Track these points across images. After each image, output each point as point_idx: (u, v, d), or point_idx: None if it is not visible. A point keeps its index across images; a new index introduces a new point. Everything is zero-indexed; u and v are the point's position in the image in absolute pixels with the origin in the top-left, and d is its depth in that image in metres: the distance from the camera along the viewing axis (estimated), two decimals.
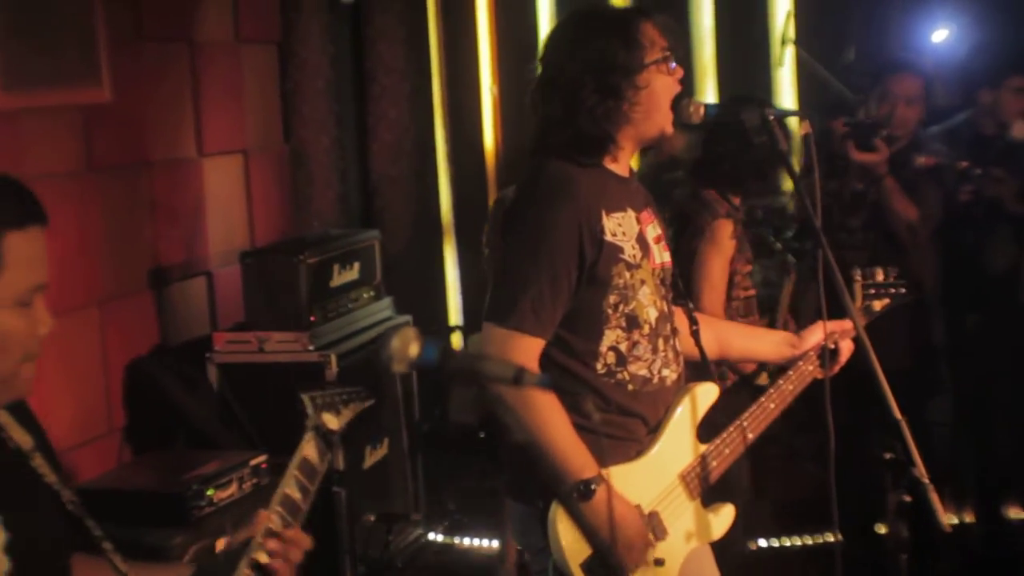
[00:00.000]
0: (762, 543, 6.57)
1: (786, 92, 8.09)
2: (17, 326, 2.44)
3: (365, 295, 6.58)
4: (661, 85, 3.77)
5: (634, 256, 3.74)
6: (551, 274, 3.62)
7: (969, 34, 7.47)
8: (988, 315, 6.43)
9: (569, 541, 3.63)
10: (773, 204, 6.11)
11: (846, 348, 4.20)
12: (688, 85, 8.21)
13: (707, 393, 3.95)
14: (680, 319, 4.04)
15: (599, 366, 3.72)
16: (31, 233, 2.45)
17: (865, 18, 7.93)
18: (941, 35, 7.55)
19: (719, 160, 5.40)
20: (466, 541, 6.96)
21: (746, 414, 4.05)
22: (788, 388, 4.15)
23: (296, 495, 2.60)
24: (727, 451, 3.97)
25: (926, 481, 3.46)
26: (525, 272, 3.63)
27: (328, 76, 7.42)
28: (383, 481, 6.41)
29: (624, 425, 3.77)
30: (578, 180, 3.70)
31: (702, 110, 3.87)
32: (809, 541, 6.55)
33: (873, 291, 4.47)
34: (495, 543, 6.63)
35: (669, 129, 3.82)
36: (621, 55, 3.71)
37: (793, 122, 5.25)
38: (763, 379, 5.36)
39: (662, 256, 3.90)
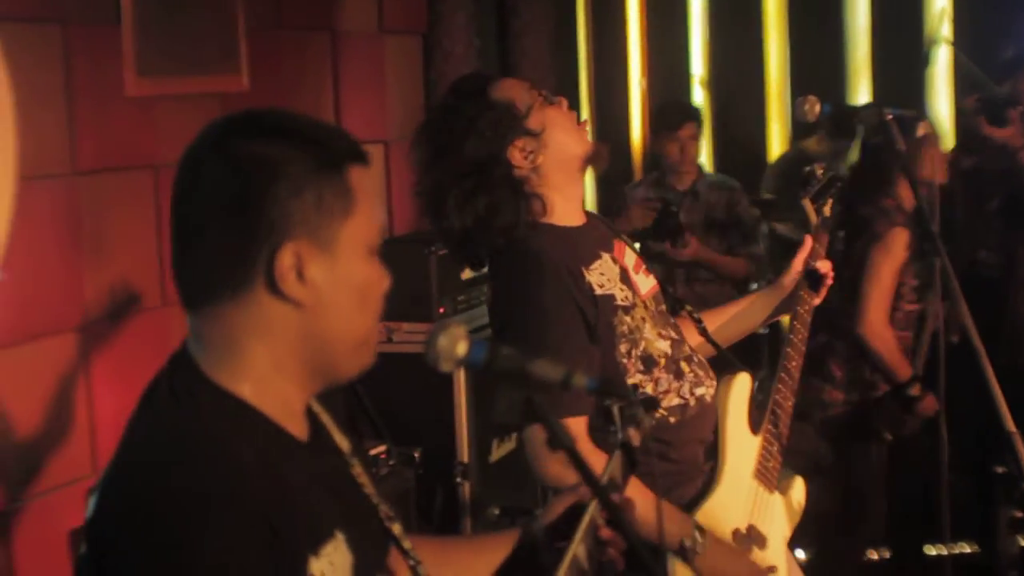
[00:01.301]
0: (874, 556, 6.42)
1: (941, 93, 7.95)
2: (376, 276, 2.11)
3: None
4: (550, 116, 3.56)
5: (626, 298, 3.59)
6: (570, 355, 3.42)
7: None
8: None
9: None
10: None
11: (824, 267, 4.05)
12: (841, 86, 8.17)
13: (742, 385, 3.83)
14: (687, 327, 3.93)
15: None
16: (368, 171, 2.14)
17: (1022, 18, 7.75)
18: None
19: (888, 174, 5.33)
20: None
21: (777, 385, 3.94)
22: (799, 339, 4.02)
23: (599, 516, 2.33)
24: (782, 428, 3.90)
25: None
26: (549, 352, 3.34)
27: (473, 68, 7.40)
28: (510, 475, 6.37)
29: (683, 460, 3.68)
30: (548, 252, 3.52)
31: (818, 108, 3.79)
32: (874, 556, 6.40)
33: (820, 201, 4.28)
34: None
35: (588, 147, 3.64)
36: (503, 121, 3.49)
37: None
38: (916, 390, 5.29)
39: (647, 283, 3.77)
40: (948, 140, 7.74)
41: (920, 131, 3.74)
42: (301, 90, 6.33)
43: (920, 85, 7.97)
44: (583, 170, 3.67)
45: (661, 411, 3.60)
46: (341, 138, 2.12)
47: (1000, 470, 3.42)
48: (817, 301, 4.07)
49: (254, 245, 1.99)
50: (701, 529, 3.52)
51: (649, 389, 3.58)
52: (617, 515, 2.11)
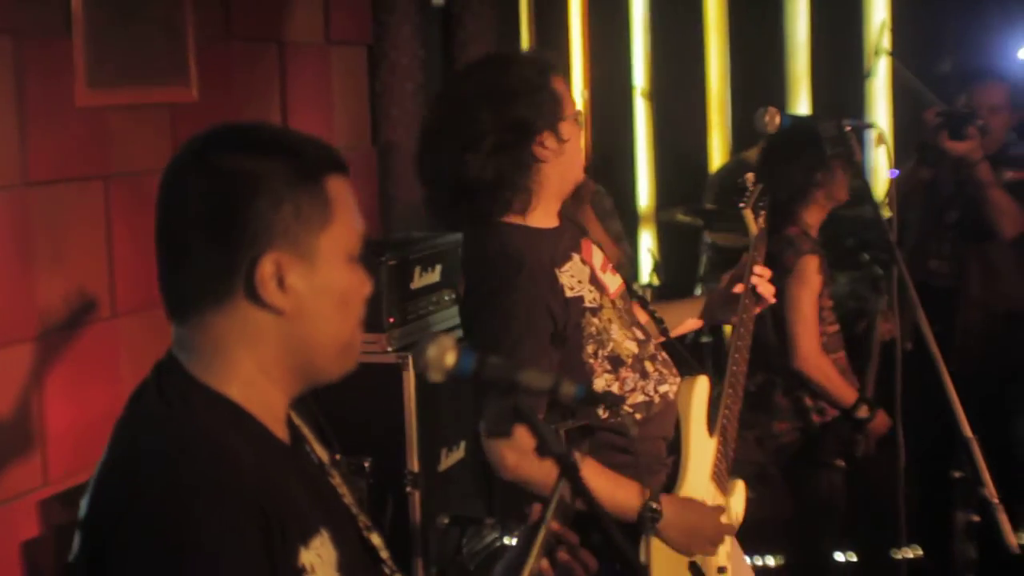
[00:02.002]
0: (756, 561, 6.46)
1: (879, 103, 8.04)
2: (354, 283, 2.18)
3: (446, 297, 6.57)
4: (576, 137, 3.71)
5: (594, 300, 3.70)
6: (531, 350, 3.54)
7: None
8: None
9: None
10: (860, 215, 6.07)
11: (762, 274, 4.17)
12: (781, 96, 8.25)
13: (701, 387, 3.92)
14: (644, 320, 4.03)
15: (600, 411, 3.66)
16: (347, 180, 2.21)
17: (961, 30, 7.86)
18: None
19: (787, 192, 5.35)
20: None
21: (727, 390, 4.01)
22: (744, 344, 4.11)
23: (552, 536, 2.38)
24: (731, 432, 3.97)
25: (996, 501, 3.42)
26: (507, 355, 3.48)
27: (418, 79, 7.43)
28: (459, 484, 6.39)
29: (646, 453, 3.76)
30: (526, 253, 3.61)
31: (778, 119, 3.85)
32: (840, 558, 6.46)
33: (758, 211, 4.34)
34: None
35: (580, 177, 3.78)
36: (537, 118, 3.61)
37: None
38: (864, 412, 5.35)
39: (614, 282, 3.87)
40: (888, 151, 7.83)
41: (875, 142, 3.80)
42: (250, 101, 6.33)
43: (859, 96, 8.05)
44: (570, 193, 3.78)
45: (627, 408, 3.69)
46: (318, 148, 2.18)
47: (957, 475, 3.46)
48: (758, 309, 4.13)
49: (236, 256, 2.06)
50: (656, 496, 3.62)
51: (615, 389, 3.69)
52: (599, 510, 2.14)
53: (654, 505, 3.58)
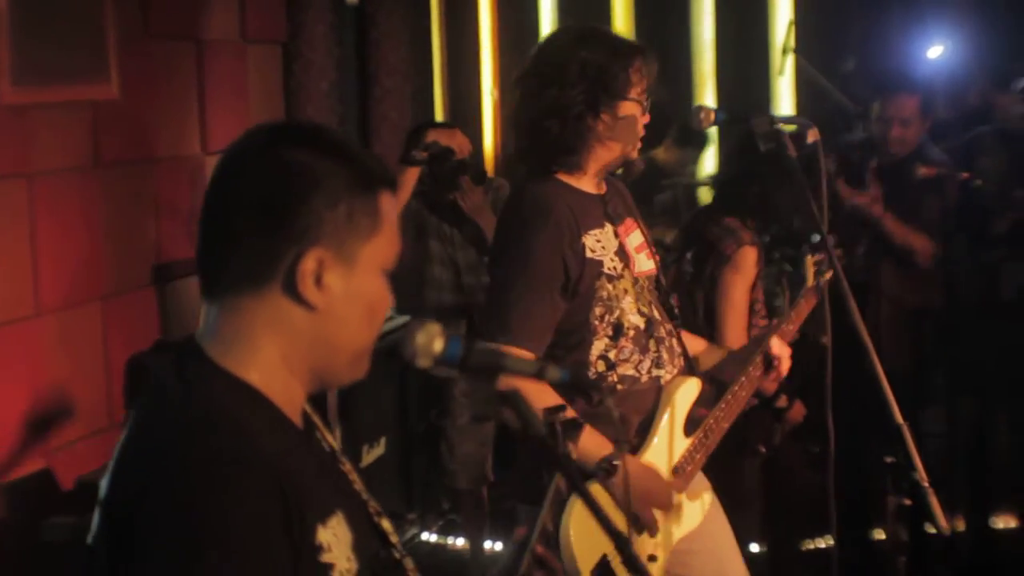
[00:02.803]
0: (755, 548, 6.61)
1: (785, 101, 8.15)
2: (384, 296, 2.22)
3: None
4: (635, 120, 3.92)
5: (614, 268, 3.90)
6: (538, 294, 3.79)
7: (964, 49, 7.55)
8: (994, 332, 6.44)
9: (581, 546, 3.70)
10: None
11: (784, 364, 4.28)
12: (687, 93, 8.35)
13: (690, 388, 4.03)
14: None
15: (590, 374, 3.86)
16: (395, 199, 2.25)
17: (865, 29, 7.99)
18: (936, 51, 7.62)
19: (746, 190, 5.43)
20: (459, 542, 7.00)
21: (721, 404, 4.10)
22: (755, 374, 4.21)
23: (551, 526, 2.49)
24: (708, 441, 4.06)
25: (926, 485, 3.51)
26: (512, 296, 3.80)
27: (332, 77, 7.47)
28: (379, 480, 6.45)
29: (616, 423, 3.84)
30: (556, 205, 3.84)
31: (712, 116, 3.95)
32: (804, 547, 6.58)
33: (823, 266, 4.47)
34: (497, 545, 6.68)
35: (635, 155, 3.99)
36: (616, 79, 3.83)
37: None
38: (783, 401, 5.44)
39: (645, 264, 4.03)
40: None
41: (810, 138, 3.87)
42: (170, 98, 6.33)
43: (765, 94, 8.16)
44: (618, 166, 4.06)
45: (613, 376, 3.86)
46: (377, 162, 2.23)
47: (889, 460, 3.56)
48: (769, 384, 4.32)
49: (283, 245, 2.10)
50: (619, 453, 3.72)
51: (612, 354, 3.88)
52: (580, 488, 2.20)
53: (615, 461, 3.66)
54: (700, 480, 4.12)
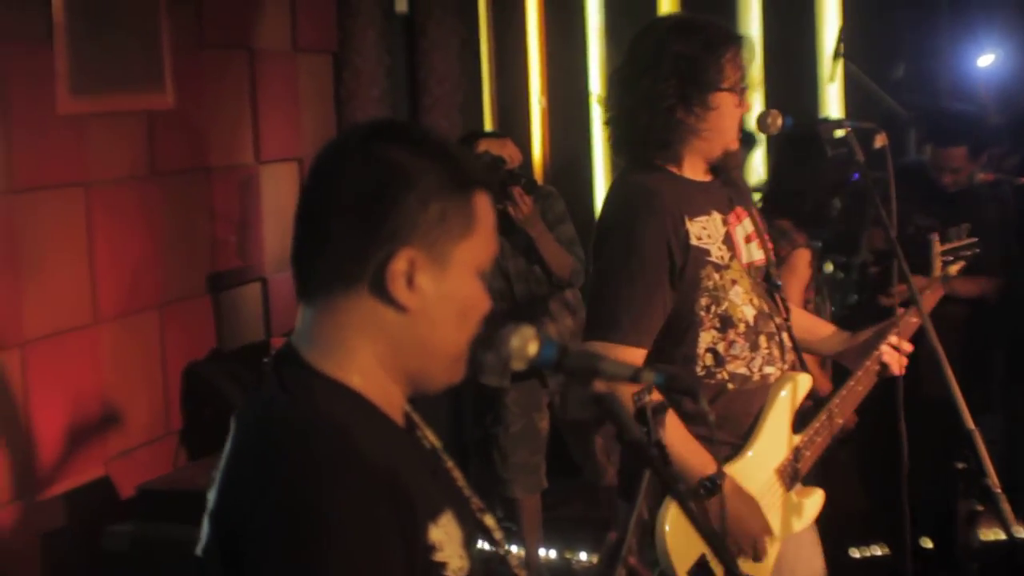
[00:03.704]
0: None
1: (834, 107, 8.11)
2: (478, 297, 2.18)
3: None
4: (729, 111, 3.83)
5: (721, 257, 3.79)
6: (645, 286, 3.69)
7: (1014, 57, 7.51)
8: None
9: (676, 545, 3.66)
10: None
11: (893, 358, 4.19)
12: None
13: (800, 384, 3.94)
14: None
15: (698, 369, 3.77)
16: (490, 199, 2.19)
17: (915, 35, 7.95)
18: (987, 60, 7.57)
19: (800, 199, 5.42)
20: (514, 549, 6.98)
21: (835, 399, 4.02)
22: (873, 368, 4.13)
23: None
24: (818, 440, 3.98)
25: (998, 491, 3.48)
26: (620, 287, 3.71)
27: (382, 85, 7.47)
28: None
29: (723, 426, 3.79)
30: (659, 192, 3.76)
31: (780, 121, 3.91)
32: (856, 554, 6.56)
33: (950, 256, 4.43)
34: (551, 552, 6.67)
35: (734, 146, 3.88)
36: (707, 71, 3.76)
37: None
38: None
39: (754, 254, 3.94)
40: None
41: (877, 143, 3.85)
42: (223, 107, 6.36)
43: (814, 100, 8.12)
44: (717, 160, 3.89)
45: (723, 373, 3.77)
46: (474, 163, 2.21)
47: (960, 466, 3.53)
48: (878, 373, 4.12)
49: (374, 245, 2.07)
50: (724, 474, 3.64)
51: (721, 348, 3.78)
52: (675, 490, 2.18)
53: (718, 481, 3.59)
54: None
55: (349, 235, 2.09)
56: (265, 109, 6.68)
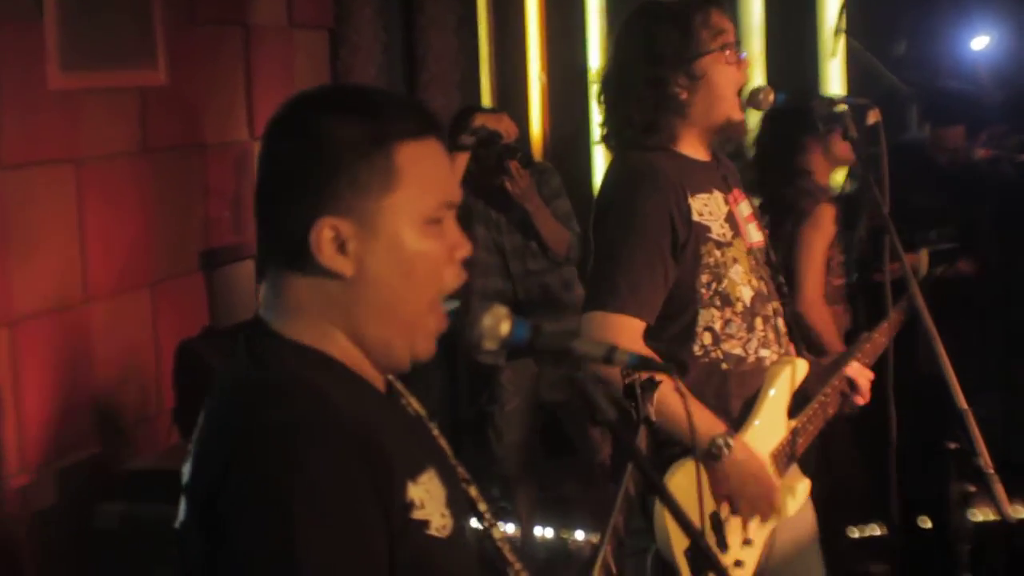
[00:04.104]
0: None
1: (836, 83, 8.07)
2: (428, 249, 2.09)
3: None
4: (720, 74, 3.75)
5: (723, 235, 3.75)
6: (646, 258, 3.64)
7: (1009, 39, 7.49)
8: None
9: (675, 527, 3.61)
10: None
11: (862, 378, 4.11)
12: None
13: (797, 369, 3.90)
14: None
15: (696, 348, 3.73)
16: (429, 144, 2.12)
17: (916, 11, 7.91)
18: (982, 42, 7.54)
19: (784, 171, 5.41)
20: (510, 528, 6.95)
21: (827, 388, 3.97)
22: (868, 352, 4.11)
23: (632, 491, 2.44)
24: (811, 427, 3.93)
25: (991, 471, 3.44)
26: (621, 259, 3.66)
27: (379, 62, 7.43)
28: None
29: (718, 407, 3.75)
30: (660, 167, 3.72)
31: (771, 96, 3.88)
32: (855, 534, 6.52)
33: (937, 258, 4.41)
34: (547, 531, 6.64)
35: (737, 116, 3.79)
36: (672, 46, 3.71)
37: None
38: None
39: (755, 235, 3.90)
40: None
41: (870, 119, 3.81)
42: (215, 84, 6.32)
43: (816, 77, 8.08)
44: (722, 130, 3.84)
45: (718, 352, 3.73)
46: (400, 112, 2.14)
47: (952, 446, 3.49)
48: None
49: (297, 218, 2.06)
50: (732, 432, 3.63)
51: (718, 326, 3.73)
52: (653, 480, 2.15)
53: (730, 440, 3.59)
54: (796, 468, 4.00)
55: (280, 211, 2.09)
56: (260, 85, 6.64)
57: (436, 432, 2.28)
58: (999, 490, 3.42)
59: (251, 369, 2.08)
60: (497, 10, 8.31)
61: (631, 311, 3.61)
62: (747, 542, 3.80)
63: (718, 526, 3.73)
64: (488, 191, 6.04)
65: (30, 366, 5.12)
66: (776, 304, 3.89)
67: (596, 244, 3.80)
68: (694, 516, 3.60)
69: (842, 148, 5.24)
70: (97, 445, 5.43)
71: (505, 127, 6.07)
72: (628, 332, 3.58)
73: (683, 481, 3.59)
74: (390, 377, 2.22)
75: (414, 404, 2.28)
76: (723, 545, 3.73)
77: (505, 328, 2.13)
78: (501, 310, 2.15)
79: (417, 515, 2.03)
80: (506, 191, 5.87)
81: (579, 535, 6.67)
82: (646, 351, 3.53)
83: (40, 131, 5.18)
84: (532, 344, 2.16)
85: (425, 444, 2.21)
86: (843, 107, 3.85)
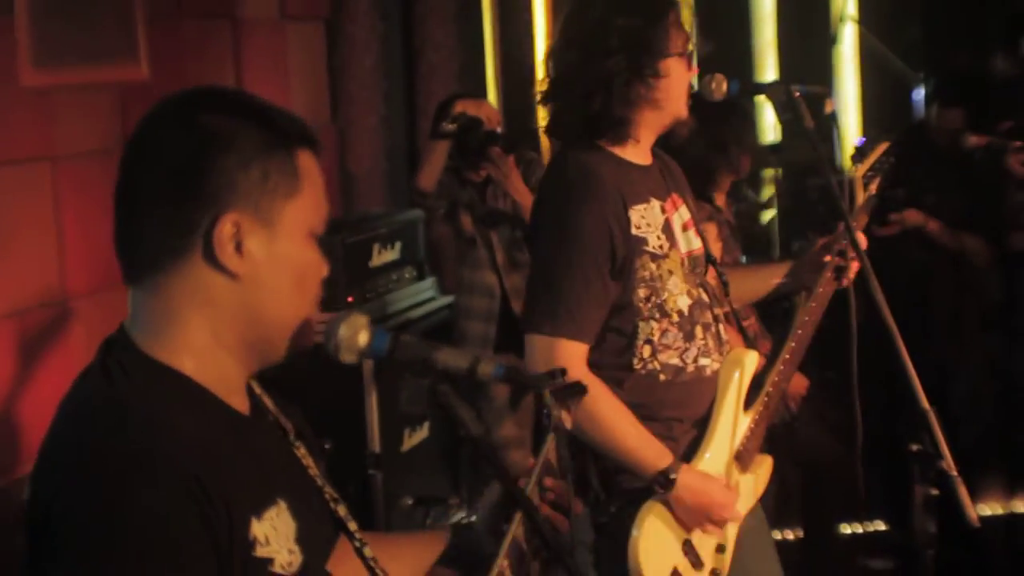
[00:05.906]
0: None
1: (847, 70, 8.01)
2: (312, 260, 2.13)
3: (406, 275, 6.47)
4: (679, 76, 3.72)
5: (660, 247, 3.68)
6: (584, 277, 3.58)
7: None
8: None
9: (649, 562, 3.60)
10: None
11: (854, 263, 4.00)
12: (748, 64, 8.19)
13: (747, 363, 3.84)
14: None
15: (635, 362, 3.67)
16: (316, 159, 2.17)
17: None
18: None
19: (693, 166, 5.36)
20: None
21: (777, 366, 3.92)
22: (811, 319, 4.00)
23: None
24: (767, 412, 3.89)
25: (954, 474, 3.34)
26: (559, 278, 3.59)
27: (377, 53, 7.34)
28: (422, 464, 6.32)
29: (665, 421, 3.69)
30: (601, 175, 3.65)
31: (724, 86, 3.80)
32: (848, 530, 6.43)
33: (870, 173, 4.27)
34: None
35: (684, 114, 3.77)
36: (655, 39, 3.67)
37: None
38: None
39: (691, 243, 3.83)
40: (854, 119, 7.82)
41: (827, 108, 3.72)
42: (203, 79, 6.19)
43: (827, 64, 8.02)
44: (668, 127, 3.83)
45: (655, 363, 3.65)
46: (294, 121, 2.15)
47: (915, 448, 3.38)
48: (834, 286, 4.02)
49: (197, 213, 2.02)
50: (679, 462, 3.61)
51: (656, 337, 3.66)
52: (531, 512, 2.07)
53: (671, 475, 3.56)
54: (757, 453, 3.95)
55: (169, 206, 2.03)
56: (251, 81, 6.54)
57: (303, 452, 2.23)
58: (963, 492, 3.32)
59: (100, 384, 2.03)
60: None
61: (569, 334, 3.56)
62: (720, 548, 3.77)
63: (690, 550, 3.70)
64: (472, 180, 5.99)
65: (6, 366, 5.06)
66: (718, 310, 3.82)
67: (533, 257, 3.77)
68: (669, 555, 3.59)
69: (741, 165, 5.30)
70: None
71: (486, 113, 6.00)
72: (568, 357, 3.53)
73: (651, 529, 3.59)
74: (257, 390, 2.18)
75: (281, 421, 2.23)
76: (698, 563, 3.69)
77: (364, 339, 2.06)
78: (360, 319, 2.07)
79: (260, 552, 1.99)
80: (490, 180, 5.81)
81: None
82: (589, 376, 3.51)
83: (13, 128, 5.10)
84: (392, 355, 2.07)
85: (285, 468, 2.16)
86: (797, 95, 3.75)
